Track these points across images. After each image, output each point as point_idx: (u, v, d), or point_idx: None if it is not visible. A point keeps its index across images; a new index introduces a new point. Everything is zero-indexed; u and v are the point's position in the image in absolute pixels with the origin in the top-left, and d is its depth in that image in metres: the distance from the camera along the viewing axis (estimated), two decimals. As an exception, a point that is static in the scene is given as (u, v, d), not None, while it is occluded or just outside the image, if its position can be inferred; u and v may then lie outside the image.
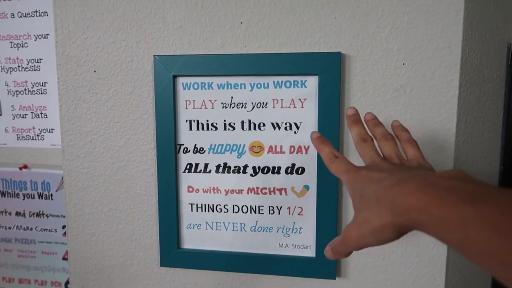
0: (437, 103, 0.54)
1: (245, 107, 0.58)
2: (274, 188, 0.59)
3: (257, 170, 0.59)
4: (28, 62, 0.71)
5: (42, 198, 0.76)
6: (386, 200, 0.31)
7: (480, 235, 0.24)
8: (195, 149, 0.60)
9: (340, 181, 0.57)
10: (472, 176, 0.30)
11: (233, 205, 0.61)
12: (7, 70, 0.73)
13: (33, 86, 0.72)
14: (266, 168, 0.59)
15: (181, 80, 0.59)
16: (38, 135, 0.74)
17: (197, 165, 0.61)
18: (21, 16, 0.70)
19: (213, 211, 0.61)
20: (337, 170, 0.40)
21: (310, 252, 0.60)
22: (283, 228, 0.60)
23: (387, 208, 0.31)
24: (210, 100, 0.59)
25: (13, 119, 0.74)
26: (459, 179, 0.29)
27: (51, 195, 0.75)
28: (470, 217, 0.25)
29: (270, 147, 0.58)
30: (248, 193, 0.60)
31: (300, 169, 0.58)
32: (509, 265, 0.23)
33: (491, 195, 0.26)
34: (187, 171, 0.61)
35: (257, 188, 0.60)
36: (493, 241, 0.23)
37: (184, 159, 0.61)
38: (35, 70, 0.71)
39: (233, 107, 0.58)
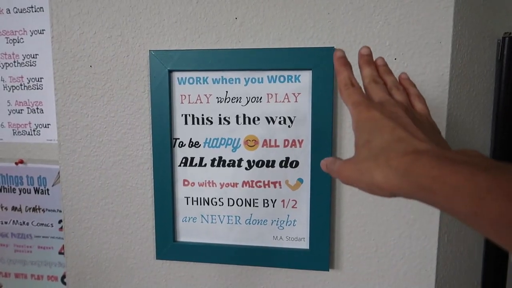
0: (428, 98, 0.55)
1: (239, 102, 0.59)
2: (268, 181, 0.60)
3: (252, 164, 0.60)
4: (24, 58, 0.72)
5: (38, 193, 0.76)
6: (398, 164, 0.30)
7: (494, 204, 0.23)
8: (191, 143, 0.61)
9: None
10: (483, 154, 0.30)
11: (228, 198, 0.61)
12: (3, 66, 0.73)
13: (29, 81, 0.72)
14: (260, 162, 0.60)
15: (176, 75, 0.60)
16: (34, 130, 0.74)
17: (192, 159, 0.61)
18: (16, 12, 0.71)
19: (208, 204, 0.62)
20: (348, 99, 0.38)
21: (304, 244, 0.61)
22: (277, 221, 0.61)
23: (397, 171, 0.30)
24: (205, 95, 0.60)
25: (9, 114, 0.74)
26: (474, 156, 0.29)
27: (47, 190, 0.75)
28: (485, 186, 0.24)
29: (265, 141, 0.59)
30: (243, 186, 0.61)
31: (294, 162, 0.59)
32: None
33: (506, 167, 0.25)
34: (182, 165, 0.62)
35: (252, 181, 0.60)
36: (508, 210, 0.23)
37: (180, 153, 0.61)
38: (31, 65, 0.72)
39: (228, 102, 0.59)
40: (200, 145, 0.61)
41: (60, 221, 0.76)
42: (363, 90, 0.39)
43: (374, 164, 0.32)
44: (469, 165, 0.27)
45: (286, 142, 0.59)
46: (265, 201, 0.61)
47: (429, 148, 0.31)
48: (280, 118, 0.58)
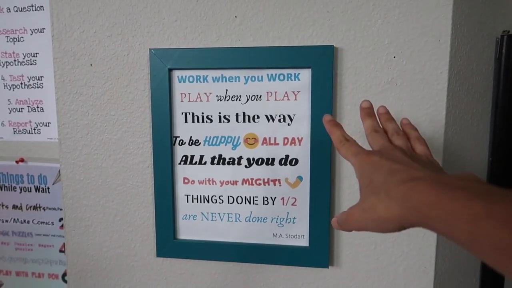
0: (427, 96, 0.56)
1: (239, 100, 0.59)
2: (268, 179, 0.60)
3: (252, 162, 0.60)
4: (25, 56, 0.72)
5: (38, 191, 0.76)
6: (397, 194, 0.31)
7: (490, 231, 0.24)
8: (191, 141, 0.61)
9: (333, 171, 0.59)
10: (481, 179, 0.31)
11: (228, 196, 0.62)
12: (3, 64, 0.73)
13: (30, 80, 0.73)
14: (260, 160, 0.60)
15: (176, 73, 0.60)
16: (34, 129, 0.74)
17: (192, 157, 0.62)
18: (17, 11, 0.71)
19: (208, 202, 0.62)
20: (347, 153, 0.40)
21: (304, 242, 0.61)
22: (277, 218, 0.61)
23: (397, 200, 0.31)
24: (205, 93, 0.60)
25: (10, 113, 0.75)
26: (471, 180, 0.30)
27: (48, 188, 0.76)
28: (481, 213, 0.25)
29: (264, 139, 0.60)
30: (242, 184, 0.61)
31: (294, 160, 0.59)
32: None
33: (503, 194, 0.26)
34: (182, 163, 0.62)
35: (252, 179, 0.61)
36: (504, 238, 0.23)
37: (180, 151, 0.62)
38: (31, 64, 0.72)
39: (227, 100, 0.59)
40: (200, 143, 0.61)
41: (60, 219, 0.76)
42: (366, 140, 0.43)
43: (376, 199, 0.33)
44: (465, 190, 0.27)
45: (286, 140, 0.59)
46: (265, 198, 0.61)
47: (425, 174, 0.32)
48: (279, 116, 0.59)
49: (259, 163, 0.60)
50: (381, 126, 0.45)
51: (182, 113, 0.61)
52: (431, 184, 0.29)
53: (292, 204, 0.61)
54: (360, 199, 0.37)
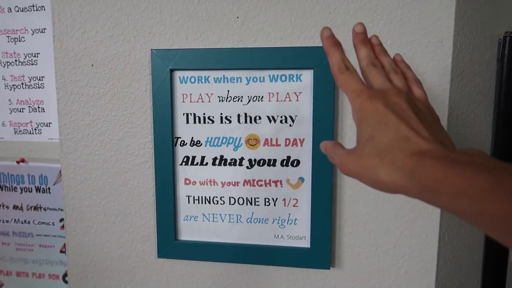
0: (429, 96, 0.55)
1: (241, 101, 0.59)
2: (269, 180, 0.60)
3: (253, 163, 0.60)
4: (25, 56, 0.72)
5: (39, 192, 0.76)
6: (403, 165, 0.30)
7: (497, 204, 0.24)
8: (192, 142, 0.61)
9: (335, 173, 0.59)
10: (488, 155, 0.30)
11: (230, 197, 0.62)
12: (4, 64, 0.73)
13: (30, 80, 0.73)
14: (262, 161, 0.60)
15: (178, 74, 0.60)
16: (35, 129, 0.74)
17: (194, 157, 0.61)
18: (18, 11, 0.71)
19: (209, 203, 0.62)
20: (346, 86, 0.36)
21: (305, 243, 0.61)
22: (278, 220, 0.61)
23: (403, 172, 0.30)
24: (207, 94, 0.60)
25: (11, 113, 0.75)
26: (478, 155, 0.29)
27: (49, 188, 0.76)
28: (488, 187, 0.25)
29: (266, 140, 0.59)
30: (244, 185, 0.61)
31: (295, 161, 0.59)
32: None
33: (507, 168, 0.26)
34: (184, 163, 0.62)
35: (253, 180, 0.61)
36: (508, 210, 0.23)
37: (181, 152, 0.62)
38: (32, 64, 0.72)
39: (229, 101, 0.59)
40: (201, 144, 0.61)
41: (61, 220, 0.76)
42: (359, 72, 0.38)
43: (379, 162, 0.32)
44: (472, 165, 0.27)
45: (288, 141, 0.59)
46: (266, 199, 0.61)
47: (433, 148, 0.31)
48: (281, 117, 0.59)
49: (261, 164, 0.60)
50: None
51: (183, 114, 0.61)
52: (439, 160, 0.29)
53: (294, 205, 0.60)
54: (357, 150, 0.34)
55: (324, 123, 0.57)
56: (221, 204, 0.62)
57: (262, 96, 0.58)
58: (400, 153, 0.31)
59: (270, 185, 0.60)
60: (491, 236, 0.26)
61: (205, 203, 0.62)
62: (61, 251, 0.77)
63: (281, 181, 0.60)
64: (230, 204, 0.62)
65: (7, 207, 0.78)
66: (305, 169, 0.59)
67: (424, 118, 0.35)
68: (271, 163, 0.60)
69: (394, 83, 0.37)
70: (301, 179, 0.60)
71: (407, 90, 0.37)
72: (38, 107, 0.73)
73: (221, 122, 0.60)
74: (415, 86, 0.39)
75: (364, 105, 0.34)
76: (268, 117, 0.59)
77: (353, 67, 0.37)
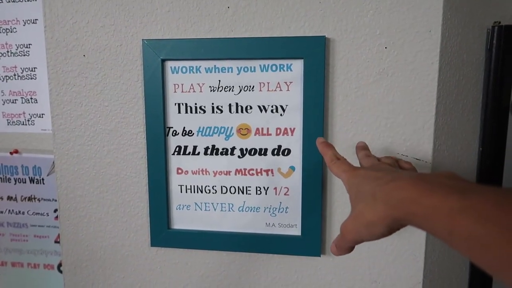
0: (418, 86, 0.56)
1: (232, 90, 0.60)
2: (261, 169, 0.61)
3: (245, 152, 0.61)
4: (17, 47, 0.72)
5: (33, 183, 0.77)
6: (381, 194, 0.33)
7: (465, 224, 0.26)
8: (184, 132, 0.62)
9: (325, 162, 0.59)
10: (461, 176, 0.32)
11: (221, 186, 0.62)
12: (-4, 55, 0.73)
13: (23, 71, 0.73)
14: (253, 150, 0.61)
15: (169, 64, 0.60)
16: (28, 120, 0.74)
17: (186, 147, 0.62)
18: (9, 1, 0.71)
19: (202, 192, 0.63)
20: (337, 170, 0.43)
21: (296, 231, 0.62)
22: (270, 208, 0.62)
23: (382, 201, 0.33)
24: (198, 84, 0.60)
25: (3, 104, 0.75)
26: (450, 178, 0.32)
27: (43, 179, 0.76)
28: (457, 207, 0.26)
29: (257, 129, 0.60)
30: (236, 174, 0.62)
31: (286, 150, 0.60)
32: (490, 251, 0.24)
33: (478, 189, 0.28)
34: (176, 153, 0.62)
35: (245, 169, 0.61)
36: (477, 230, 0.25)
37: (173, 142, 0.62)
38: (24, 55, 0.72)
39: (220, 91, 0.60)
40: (193, 133, 0.61)
41: (55, 210, 0.77)
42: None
43: (364, 204, 0.35)
44: (444, 187, 0.29)
45: (278, 131, 0.60)
46: (258, 188, 0.61)
47: (406, 174, 0.35)
48: (272, 106, 0.59)
49: (252, 154, 0.61)
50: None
51: (175, 104, 0.61)
52: (412, 182, 0.31)
53: (285, 194, 0.61)
54: (350, 211, 0.38)
55: (315, 112, 0.57)
56: (213, 193, 0.63)
57: (253, 86, 0.59)
58: (378, 187, 0.34)
59: (261, 174, 0.61)
60: (465, 256, 0.27)
61: (198, 192, 0.63)
62: (56, 241, 0.78)
63: (272, 170, 0.61)
64: (222, 193, 0.63)
65: (1, 198, 0.79)
66: (296, 158, 0.60)
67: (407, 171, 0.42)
68: (262, 152, 0.60)
69: (382, 161, 0.47)
70: (292, 168, 0.60)
71: (393, 164, 0.46)
72: (31, 98, 0.74)
73: (213, 112, 0.60)
74: (405, 163, 0.48)
75: (350, 175, 0.41)
76: (259, 106, 0.59)
77: (343, 158, 0.46)
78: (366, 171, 0.40)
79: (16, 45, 0.72)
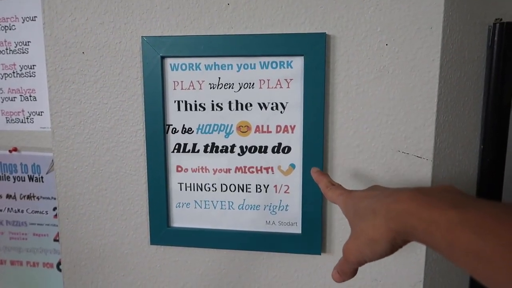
0: (418, 83, 0.56)
1: (232, 88, 0.59)
2: (261, 167, 0.61)
3: (245, 150, 0.61)
4: (16, 45, 0.72)
5: (32, 181, 0.76)
6: (381, 209, 0.33)
7: (464, 237, 0.26)
8: (184, 129, 0.61)
9: (325, 159, 0.59)
10: (460, 190, 0.32)
11: (221, 184, 0.62)
12: (-5, 53, 0.73)
13: (22, 68, 0.72)
14: (253, 148, 0.60)
15: (169, 61, 0.60)
16: (27, 118, 0.74)
17: (185, 145, 0.62)
18: (8, -2, 0.70)
19: (201, 190, 0.63)
20: (333, 194, 0.44)
21: (296, 229, 0.61)
22: (270, 206, 0.62)
23: (381, 215, 0.33)
24: (198, 81, 0.60)
25: (2, 102, 0.74)
26: (448, 191, 0.32)
27: (42, 177, 0.76)
28: (455, 220, 0.27)
29: (257, 126, 0.60)
30: (235, 172, 0.61)
31: (286, 148, 0.60)
32: (490, 264, 0.24)
33: (477, 203, 0.28)
34: (175, 151, 0.62)
35: (245, 167, 0.61)
36: (476, 243, 0.25)
37: (173, 139, 0.62)
38: (23, 52, 0.72)
39: (220, 88, 0.59)
40: (193, 131, 0.61)
41: (54, 209, 0.76)
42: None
43: (364, 222, 0.35)
44: (443, 200, 0.29)
45: (279, 128, 0.59)
46: (258, 186, 0.61)
47: (404, 189, 0.35)
48: (272, 104, 0.59)
49: (252, 151, 0.60)
50: None
51: (175, 101, 0.61)
52: (411, 195, 0.32)
53: (285, 192, 0.61)
54: (351, 235, 0.38)
55: (315, 109, 0.57)
56: (213, 191, 0.62)
57: (253, 83, 0.59)
58: (376, 203, 0.34)
59: (261, 172, 0.61)
60: (466, 271, 0.27)
61: (197, 190, 0.63)
62: (55, 240, 0.78)
63: (272, 167, 0.60)
64: (222, 191, 0.62)
65: (0, 196, 0.78)
66: (296, 155, 0.60)
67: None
68: (262, 150, 0.60)
69: None
70: (292, 166, 0.60)
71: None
72: (30, 96, 0.73)
73: (213, 109, 0.60)
74: None
75: (346, 197, 0.41)
76: (259, 104, 0.59)
77: (338, 184, 0.46)
78: (361, 192, 0.41)
79: (15, 42, 0.72)
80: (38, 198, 0.77)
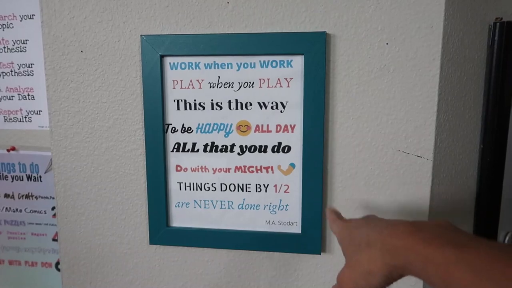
0: (419, 82, 0.56)
1: (232, 87, 0.59)
2: (261, 166, 0.60)
3: (244, 149, 0.60)
4: (14, 43, 0.71)
5: (31, 180, 0.76)
6: (376, 241, 0.34)
7: (460, 275, 0.26)
8: (183, 128, 0.61)
9: (325, 158, 0.59)
10: (455, 226, 0.33)
11: (221, 184, 0.62)
12: (-7, 51, 0.72)
13: (20, 67, 0.72)
14: (253, 147, 0.60)
15: (168, 60, 0.59)
16: (25, 117, 0.74)
17: (185, 144, 0.61)
18: (5, -4, 0.70)
19: (201, 189, 0.62)
20: (332, 224, 0.46)
21: (296, 229, 0.61)
22: (269, 206, 0.61)
23: (377, 248, 0.33)
24: (198, 80, 0.59)
25: (0, 101, 0.74)
26: (444, 227, 0.32)
27: (40, 177, 0.75)
28: (452, 258, 0.27)
29: (257, 126, 0.59)
30: (235, 171, 0.61)
31: (286, 147, 0.59)
32: None
33: (472, 241, 0.29)
34: (175, 150, 0.62)
35: (244, 166, 0.61)
36: (471, 282, 0.26)
37: (172, 139, 0.61)
38: (21, 51, 0.71)
39: (220, 87, 0.59)
40: (192, 130, 0.61)
41: (53, 208, 0.76)
42: None
43: (359, 253, 0.35)
44: (439, 237, 0.30)
45: (279, 127, 0.59)
46: (258, 186, 0.61)
47: (401, 223, 0.35)
48: (272, 103, 0.58)
49: (252, 151, 0.60)
50: None
51: (174, 100, 0.60)
52: (408, 231, 0.32)
53: (285, 191, 0.61)
54: (345, 261, 0.39)
55: (315, 108, 0.57)
56: (212, 190, 0.62)
57: (253, 82, 0.58)
58: (372, 235, 0.35)
59: (261, 171, 0.60)
60: None
61: (197, 189, 0.62)
62: (54, 239, 0.77)
63: (272, 167, 0.60)
64: (221, 190, 0.62)
65: (-2, 196, 0.78)
66: (296, 155, 0.59)
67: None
68: (262, 149, 0.60)
69: None
70: (292, 165, 0.60)
71: None
72: (28, 95, 0.73)
73: (212, 108, 0.60)
74: None
75: (341, 227, 0.43)
76: (259, 103, 0.59)
77: (343, 217, 0.47)
78: (357, 220, 0.41)
79: (12, 41, 0.71)
80: (36, 197, 0.76)
